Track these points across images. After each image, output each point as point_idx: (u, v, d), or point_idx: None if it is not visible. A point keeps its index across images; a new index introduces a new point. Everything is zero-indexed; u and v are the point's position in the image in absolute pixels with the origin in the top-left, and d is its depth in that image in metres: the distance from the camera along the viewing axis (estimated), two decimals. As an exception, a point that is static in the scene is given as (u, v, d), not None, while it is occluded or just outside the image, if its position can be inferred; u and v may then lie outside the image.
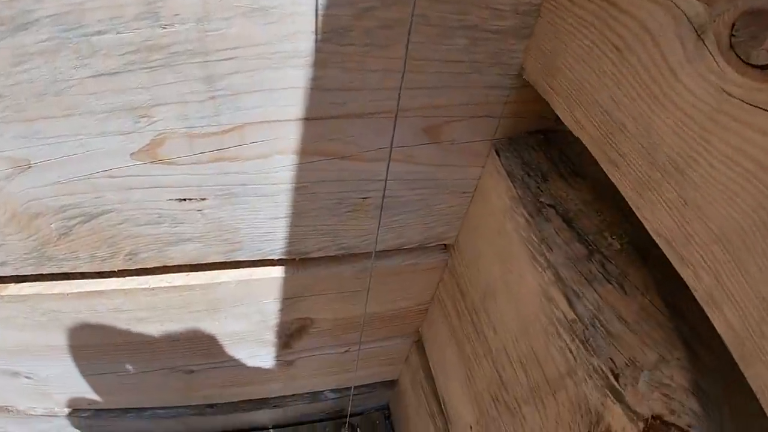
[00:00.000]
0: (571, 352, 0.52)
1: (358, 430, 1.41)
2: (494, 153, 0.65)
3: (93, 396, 1.13)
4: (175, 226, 0.64)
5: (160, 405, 1.26)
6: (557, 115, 0.69)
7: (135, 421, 1.29)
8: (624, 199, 0.63)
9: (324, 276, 0.77)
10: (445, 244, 0.81)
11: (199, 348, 0.91)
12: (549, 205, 0.59)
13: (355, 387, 1.25)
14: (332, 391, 1.27)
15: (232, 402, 1.26)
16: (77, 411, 1.27)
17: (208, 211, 0.63)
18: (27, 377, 1.02)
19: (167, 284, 0.74)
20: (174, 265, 0.72)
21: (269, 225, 0.65)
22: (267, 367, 1.02)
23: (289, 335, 0.91)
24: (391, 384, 1.31)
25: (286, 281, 0.76)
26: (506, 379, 0.66)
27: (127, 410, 1.28)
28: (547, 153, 0.65)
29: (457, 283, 0.78)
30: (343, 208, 0.66)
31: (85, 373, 1.00)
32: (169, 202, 0.61)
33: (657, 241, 0.43)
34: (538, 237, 0.57)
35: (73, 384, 1.04)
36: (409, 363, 1.12)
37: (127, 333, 0.84)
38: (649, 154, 0.43)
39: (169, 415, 1.28)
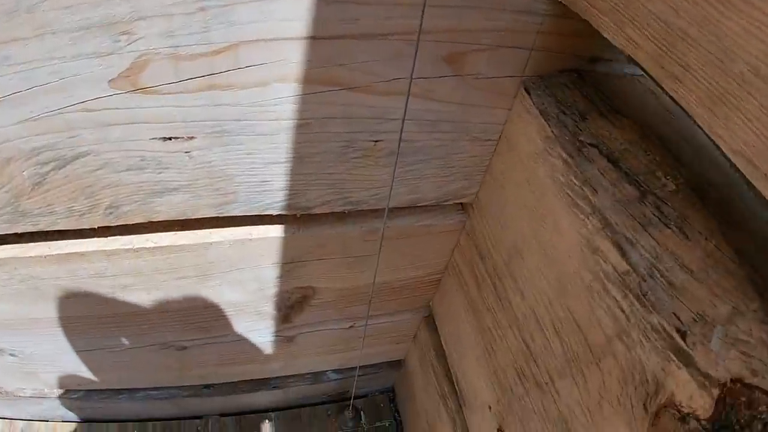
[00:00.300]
0: (622, 310, 0.44)
1: (362, 413, 1.34)
2: (524, 91, 0.57)
3: (82, 375, 1.06)
4: (160, 172, 0.56)
5: (153, 385, 1.19)
6: (590, 55, 0.62)
7: (128, 402, 1.22)
8: (673, 139, 0.55)
9: (328, 237, 0.69)
10: (462, 204, 0.73)
11: (190, 321, 0.83)
12: (590, 144, 0.51)
13: (360, 367, 1.18)
14: (335, 371, 1.20)
15: (229, 383, 1.19)
16: (67, 392, 1.20)
17: (197, 153, 0.55)
18: (12, 354, 0.95)
19: (153, 244, 0.66)
20: (160, 222, 0.64)
21: (267, 172, 0.57)
22: (265, 343, 0.95)
23: (290, 307, 0.83)
24: (397, 364, 1.24)
25: (286, 242, 0.68)
26: (536, 350, 0.58)
27: (118, 391, 1.20)
28: (582, 91, 0.57)
29: (477, 246, 0.70)
30: (352, 153, 0.58)
31: (72, 349, 0.92)
32: (153, 142, 0.53)
33: (735, 161, 0.35)
34: (580, 179, 0.49)
35: (59, 362, 0.97)
36: (418, 341, 1.05)
37: (112, 302, 0.76)
38: (721, 62, 0.35)
39: (163, 397, 1.21)
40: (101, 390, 1.20)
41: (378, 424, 1.34)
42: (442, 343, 0.90)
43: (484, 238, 0.68)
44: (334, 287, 0.80)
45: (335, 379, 1.20)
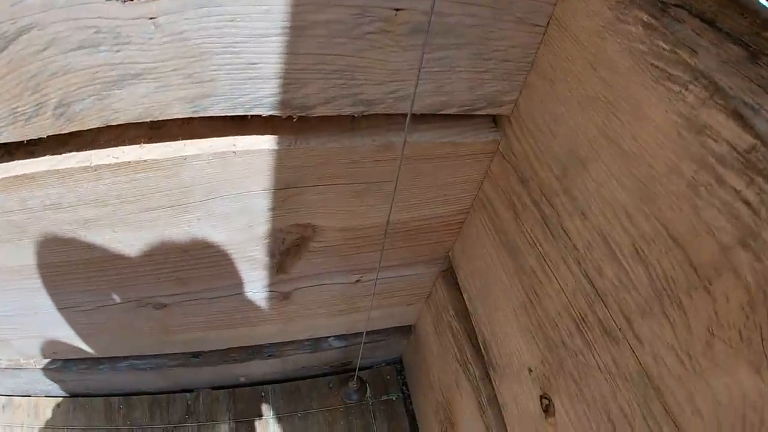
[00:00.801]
0: (747, 203, 0.30)
1: (368, 385, 1.21)
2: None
3: (56, 341, 0.92)
4: (119, 50, 0.42)
5: (136, 353, 1.05)
6: None
7: (109, 373, 1.09)
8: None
9: (332, 154, 0.55)
10: (496, 122, 0.59)
11: (167, 270, 0.69)
12: (675, 5, 0.37)
13: (366, 334, 1.04)
14: (338, 338, 1.06)
15: (220, 351, 1.05)
16: (41, 361, 1.07)
17: (165, 19, 0.40)
18: (-25, 316, 0.81)
19: (114, 160, 0.52)
20: (123, 131, 0.50)
21: (255, 49, 0.43)
22: (258, 301, 0.81)
23: (285, 252, 0.69)
24: (407, 331, 1.10)
25: (280, 159, 0.54)
26: (605, 287, 0.44)
27: (99, 361, 1.07)
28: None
29: (516, 168, 0.56)
30: (366, 26, 0.43)
31: (38, 308, 0.78)
32: (109, 5, 0.39)
33: None
34: (670, 41, 0.35)
35: (29, 325, 0.83)
36: (433, 301, 0.91)
37: (73, 245, 0.62)
38: None
39: (148, 367, 1.08)
40: (80, 360, 1.07)
41: (384, 397, 1.21)
42: (465, 299, 0.76)
43: (526, 155, 0.54)
44: (338, 226, 0.66)
45: (338, 347, 1.07)
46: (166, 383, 1.19)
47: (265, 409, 1.19)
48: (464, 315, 0.78)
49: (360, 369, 1.21)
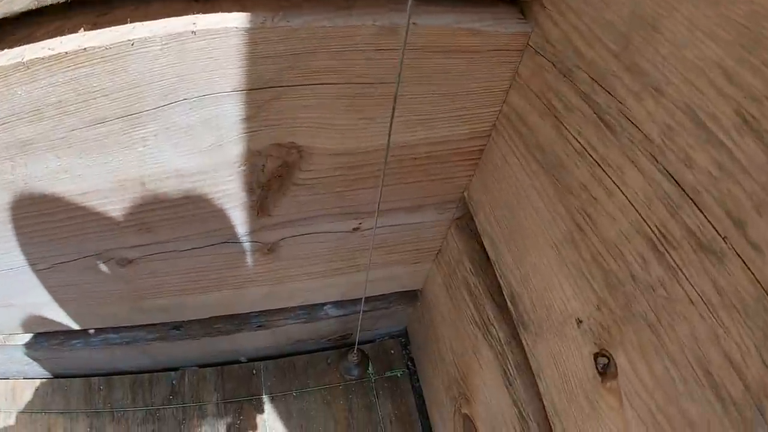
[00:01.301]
0: None
1: (369, 361, 1.09)
2: None
3: (16, 309, 0.80)
4: None
5: (108, 324, 0.93)
6: None
7: (85, 350, 0.96)
8: None
9: (320, 38, 0.42)
10: (523, 10, 0.47)
11: (125, 210, 0.57)
12: None
13: (366, 301, 0.92)
14: (335, 305, 0.94)
15: (202, 321, 0.93)
16: (12, 337, 0.95)
17: None
18: None
19: (50, 52, 0.39)
20: (62, 18, 0.38)
21: None
22: (238, 254, 0.69)
23: (266, 185, 0.56)
24: (412, 298, 0.98)
25: (253, 44, 0.41)
26: (696, 182, 0.31)
27: (70, 335, 0.95)
28: None
29: (555, 62, 0.44)
30: None
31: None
32: None
33: None
34: None
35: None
36: (443, 258, 0.79)
37: (11, 179, 0.50)
38: None
39: (124, 341, 0.95)
40: (51, 334, 0.95)
41: (388, 374, 1.10)
42: (486, 245, 0.63)
43: (568, 39, 0.41)
44: (329, 149, 0.53)
45: (335, 317, 0.95)
46: (149, 361, 1.07)
47: (257, 387, 1.07)
48: (484, 267, 0.66)
49: (361, 343, 1.09)
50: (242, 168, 0.53)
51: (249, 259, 0.70)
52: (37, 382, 1.11)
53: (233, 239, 0.65)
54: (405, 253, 0.77)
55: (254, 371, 1.09)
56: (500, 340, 0.61)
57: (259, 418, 1.04)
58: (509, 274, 0.57)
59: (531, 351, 0.54)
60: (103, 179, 0.52)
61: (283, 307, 0.89)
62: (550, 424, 0.53)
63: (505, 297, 0.59)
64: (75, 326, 0.88)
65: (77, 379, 1.11)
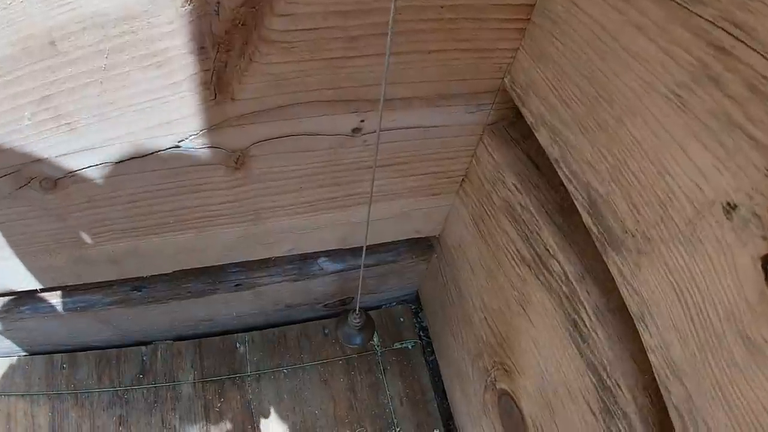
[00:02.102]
0: None
1: (375, 328, 0.90)
2: None
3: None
4: None
5: (51, 283, 0.74)
6: None
7: (35, 318, 0.78)
8: None
9: None
10: None
11: (32, 91, 0.38)
12: None
13: (370, 252, 0.73)
14: (330, 257, 0.75)
15: (167, 279, 0.74)
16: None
17: None
18: None
19: None
20: None
21: None
22: (195, 168, 0.49)
23: (225, 40, 0.37)
24: (425, 251, 0.79)
25: None
26: None
27: (16, 301, 0.77)
28: None
29: None
30: None
31: None
32: None
33: None
34: None
35: None
36: (472, 186, 0.59)
37: None
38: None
39: (78, 306, 0.77)
40: (-10, 301, 0.77)
41: (397, 346, 0.91)
42: (543, 143, 0.44)
43: None
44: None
45: (332, 273, 0.76)
46: (114, 333, 0.89)
47: (241, 364, 0.88)
48: (534, 179, 0.47)
49: (365, 310, 0.90)
50: (188, 8, 0.34)
51: (211, 179, 0.50)
52: (-6, 362, 0.93)
53: (184, 142, 0.45)
54: (421, 177, 0.58)
55: (237, 345, 0.90)
56: (566, 278, 0.42)
57: (243, 401, 0.85)
58: (588, 171, 0.38)
59: (628, 281, 0.35)
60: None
61: (265, 257, 0.69)
62: (656, 392, 0.34)
63: (580, 208, 0.39)
64: (10, 284, 0.69)
65: (39, 356, 0.92)
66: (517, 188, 0.48)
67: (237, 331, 0.91)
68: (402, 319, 0.93)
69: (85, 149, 0.45)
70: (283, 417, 0.84)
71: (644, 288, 0.33)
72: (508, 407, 0.57)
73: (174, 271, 0.69)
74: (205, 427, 0.83)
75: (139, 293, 0.77)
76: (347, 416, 0.84)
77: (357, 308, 0.65)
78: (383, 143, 0.50)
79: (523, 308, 0.50)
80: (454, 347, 0.77)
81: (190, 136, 0.45)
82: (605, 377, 0.38)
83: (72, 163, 0.46)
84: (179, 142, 0.45)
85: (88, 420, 0.84)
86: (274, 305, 0.83)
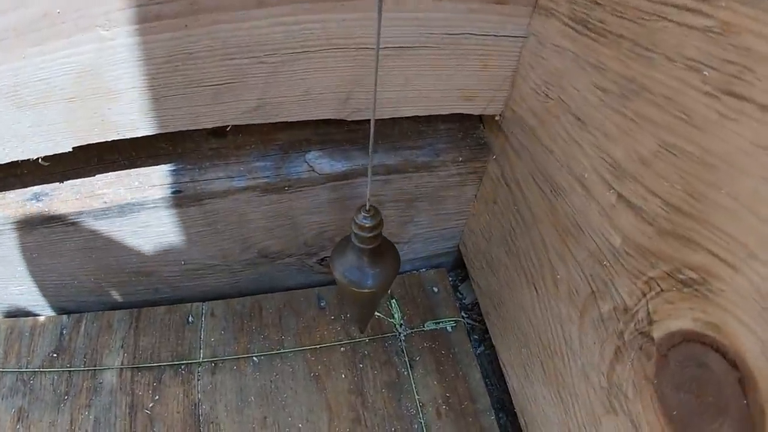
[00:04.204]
0: None
1: (397, 304, 0.58)
2: None
3: None
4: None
5: None
6: None
7: None
8: None
9: None
10: None
11: None
12: None
13: (389, 143, 0.43)
14: (322, 150, 0.45)
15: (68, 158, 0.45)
16: None
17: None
18: None
19: None
20: None
21: None
22: None
23: None
24: (477, 154, 0.48)
25: None
26: None
27: None
28: None
29: None
30: None
31: None
32: None
33: None
34: None
35: None
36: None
37: None
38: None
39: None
40: None
41: (430, 326, 0.58)
42: None
43: None
44: None
45: (327, 180, 0.45)
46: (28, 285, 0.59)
47: (190, 346, 0.57)
48: None
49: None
50: None
51: None
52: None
53: None
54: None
55: (190, 318, 0.59)
56: None
57: (187, 402, 0.53)
58: None
59: None
60: None
61: (210, 126, 0.40)
62: None
63: None
64: None
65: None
66: None
67: (193, 300, 0.60)
68: (435, 290, 0.60)
69: None
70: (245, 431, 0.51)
71: None
72: (696, 366, 0.24)
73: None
74: (122, 439, 0.51)
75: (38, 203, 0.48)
76: (348, 433, 0.51)
77: (367, 203, 0.35)
78: None
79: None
80: (534, 305, 0.45)
81: None
82: None
83: None
84: None
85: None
86: (240, 248, 0.53)
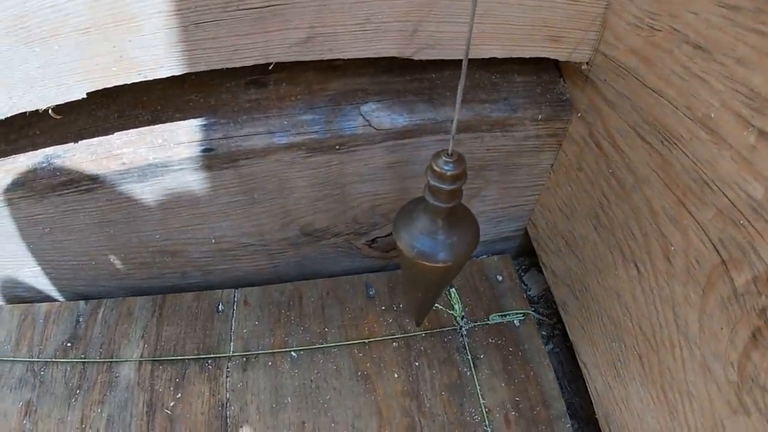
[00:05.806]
0: None
1: (457, 295, 0.49)
2: None
3: None
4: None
5: None
6: None
7: None
8: None
9: None
10: None
11: None
12: None
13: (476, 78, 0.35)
14: (380, 101, 0.37)
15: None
16: None
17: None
18: None
19: None
20: None
21: None
22: None
23: None
24: (559, 113, 0.40)
25: None
26: None
27: None
28: None
29: None
30: None
31: None
32: None
33: None
34: None
35: None
36: None
37: None
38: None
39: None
40: None
41: (495, 319, 0.49)
42: None
43: None
44: None
45: (388, 137, 0.37)
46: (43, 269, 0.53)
47: (220, 338, 0.49)
48: None
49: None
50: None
51: None
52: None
53: None
54: None
55: (220, 306, 0.51)
56: None
57: (213, 401, 0.45)
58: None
59: None
60: None
61: (250, 63, 0.32)
62: None
63: None
64: None
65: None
66: None
67: (224, 286, 0.52)
68: (500, 278, 0.51)
69: None
70: (281, 435, 0.43)
71: None
72: None
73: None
74: (138, 442, 0.43)
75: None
76: (403, 442, 0.42)
77: (451, 145, 0.27)
78: None
79: None
80: (635, 288, 0.36)
81: None
82: None
83: None
84: None
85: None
86: (280, 224, 0.45)
